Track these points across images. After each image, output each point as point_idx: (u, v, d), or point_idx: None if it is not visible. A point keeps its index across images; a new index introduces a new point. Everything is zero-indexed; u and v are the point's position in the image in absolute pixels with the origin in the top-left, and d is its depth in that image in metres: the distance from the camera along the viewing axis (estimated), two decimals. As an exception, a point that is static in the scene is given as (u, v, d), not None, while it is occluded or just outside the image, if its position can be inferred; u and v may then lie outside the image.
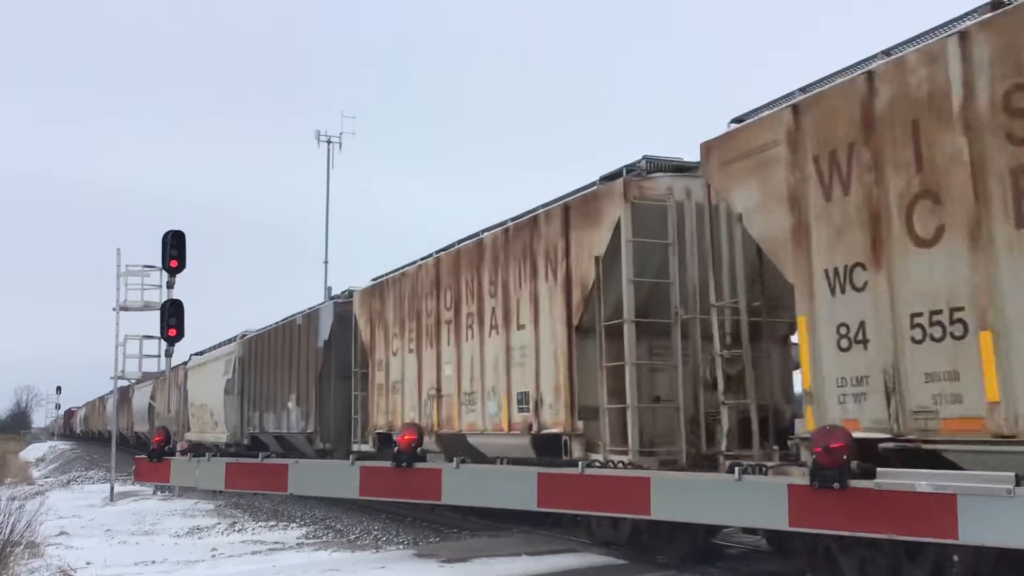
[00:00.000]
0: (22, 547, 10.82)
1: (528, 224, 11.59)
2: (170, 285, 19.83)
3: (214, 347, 26.02)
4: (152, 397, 35.50)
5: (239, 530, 14.68)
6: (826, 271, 7.25)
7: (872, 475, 6.35)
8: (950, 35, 6.44)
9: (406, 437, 10.34)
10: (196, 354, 28.69)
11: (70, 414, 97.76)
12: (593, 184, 10.55)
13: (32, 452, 59.24)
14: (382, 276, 16.17)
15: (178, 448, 14.82)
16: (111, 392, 21.49)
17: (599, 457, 9.74)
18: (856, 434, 6.69)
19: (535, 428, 11.04)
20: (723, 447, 8.60)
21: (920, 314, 6.49)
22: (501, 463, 10.96)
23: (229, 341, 24.90)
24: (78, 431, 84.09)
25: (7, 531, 10.40)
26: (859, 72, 7.14)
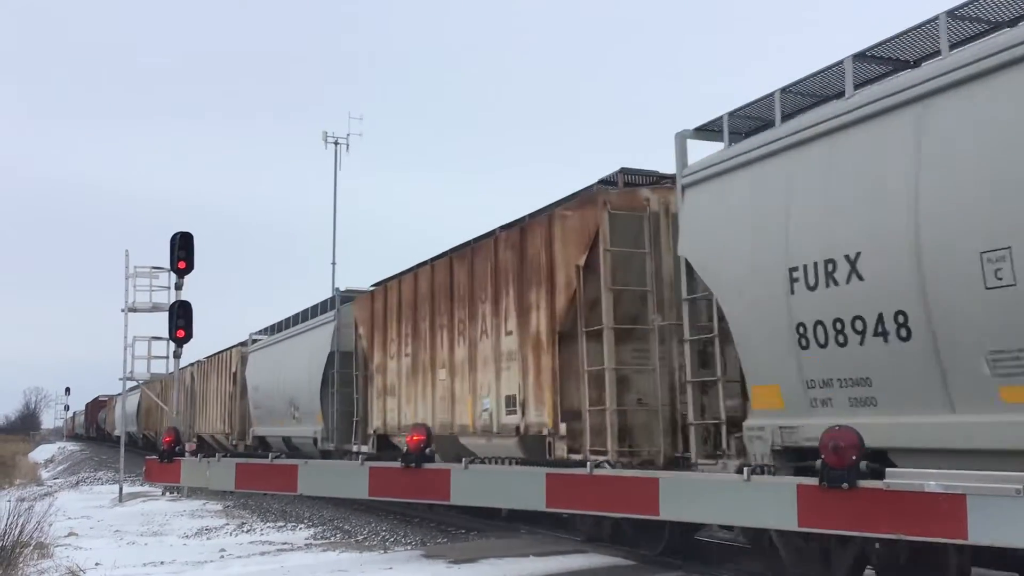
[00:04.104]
0: (31, 548, 10.85)
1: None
2: (178, 287, 19.87)
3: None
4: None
5: (247, 531, 14.71)
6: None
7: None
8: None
9: (415, 438, 10.12)
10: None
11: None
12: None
13: (41, 453, 59.44)
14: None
15: (187, 448, 14.84)
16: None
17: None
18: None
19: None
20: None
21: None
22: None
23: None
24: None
25: (16, 532, 10.42)
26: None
